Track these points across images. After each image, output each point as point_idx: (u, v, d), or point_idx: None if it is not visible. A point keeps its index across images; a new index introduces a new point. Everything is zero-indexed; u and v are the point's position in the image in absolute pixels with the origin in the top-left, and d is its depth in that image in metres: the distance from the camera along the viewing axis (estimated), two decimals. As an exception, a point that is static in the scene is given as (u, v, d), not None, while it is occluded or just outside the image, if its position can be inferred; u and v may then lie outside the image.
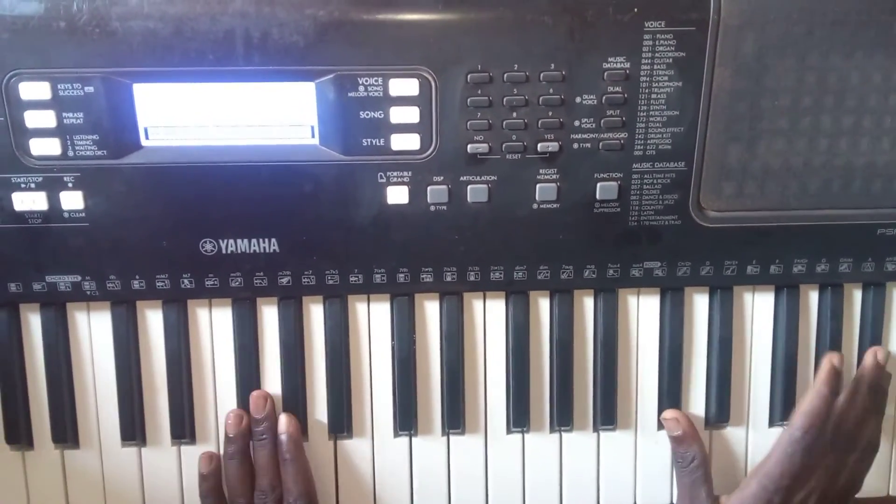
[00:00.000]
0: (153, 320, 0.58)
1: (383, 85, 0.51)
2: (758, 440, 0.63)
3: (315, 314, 0.59)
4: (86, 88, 0.50)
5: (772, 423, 0.63)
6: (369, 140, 0.53)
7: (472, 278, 0.57)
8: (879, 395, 0.60)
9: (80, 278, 0.55)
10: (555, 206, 0.55)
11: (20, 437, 0.58)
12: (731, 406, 0.62)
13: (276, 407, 0.59)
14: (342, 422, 0.60)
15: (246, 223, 0.54)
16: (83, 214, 0.53)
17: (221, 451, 0.59)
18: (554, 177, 0.54)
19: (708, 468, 0.59)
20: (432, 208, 0.55)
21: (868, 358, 0.60)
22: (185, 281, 0.56)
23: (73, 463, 0.59)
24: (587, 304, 0.60)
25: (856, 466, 0.59)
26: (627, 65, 0.52)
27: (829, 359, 0.58)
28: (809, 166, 0.55)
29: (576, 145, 0.54)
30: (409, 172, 0.54)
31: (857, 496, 0.63)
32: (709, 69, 0.52)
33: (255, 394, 0.58)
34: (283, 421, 0.58)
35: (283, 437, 0.58)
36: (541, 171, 0.54)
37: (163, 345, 0.58)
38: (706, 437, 0.62)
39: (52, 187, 0.52)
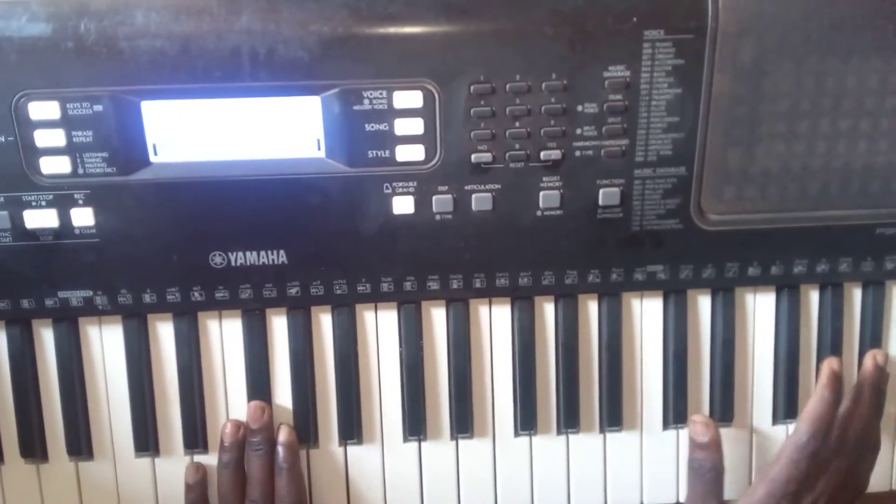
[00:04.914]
0: (164, 333, 0.59)
1: (387, 98, 0.52)
2: (761, 440, 0.63)
3: (324, 323, 0.60)
4: (94, 107, 0.51)
5: (775, 422, 0.63)
6: (375, 152, 0.53)
7: (477, 285, 0.58)
8: (881, 397, 0.60)
9: (91, 293, 0.56)
10: (558, 212, 0.56)
11: (35, 450, 0.59)
12: (735, 406, 0.63)
13: (286, 416, 0.60)
14: (352, 428, 0.61)
15: (254, 236, 0.55)
16: (94, 230, 0.54)
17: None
18: (557, 184, 0.55)
19: (722, 479, 0.59)
20: (437, 217, 0.55)
21: (868, 361, 0.60)
22: (196, 294, 0.56)
23: (87, 474, 0.60)
24: (591, 308, 0.61)
25: (861, 468, 0.59)
26: (627, 73, 0.52)
27: (829, 363, 0.59)
28: (808, 169, 0.56)
29: (578, 153, 0.54)
30: (415, 183, 0.54)
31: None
32: (708, 75, 0.53)
33: (252, 404, 0.59)
34: (284, 431, 0.59)
35: (282, 448, 0.59)
36: (544, 178, 0.55)
37: (174, 356, 0.59)
38: (710, 437, 0.63)
39: (63, 205, 0.53)
